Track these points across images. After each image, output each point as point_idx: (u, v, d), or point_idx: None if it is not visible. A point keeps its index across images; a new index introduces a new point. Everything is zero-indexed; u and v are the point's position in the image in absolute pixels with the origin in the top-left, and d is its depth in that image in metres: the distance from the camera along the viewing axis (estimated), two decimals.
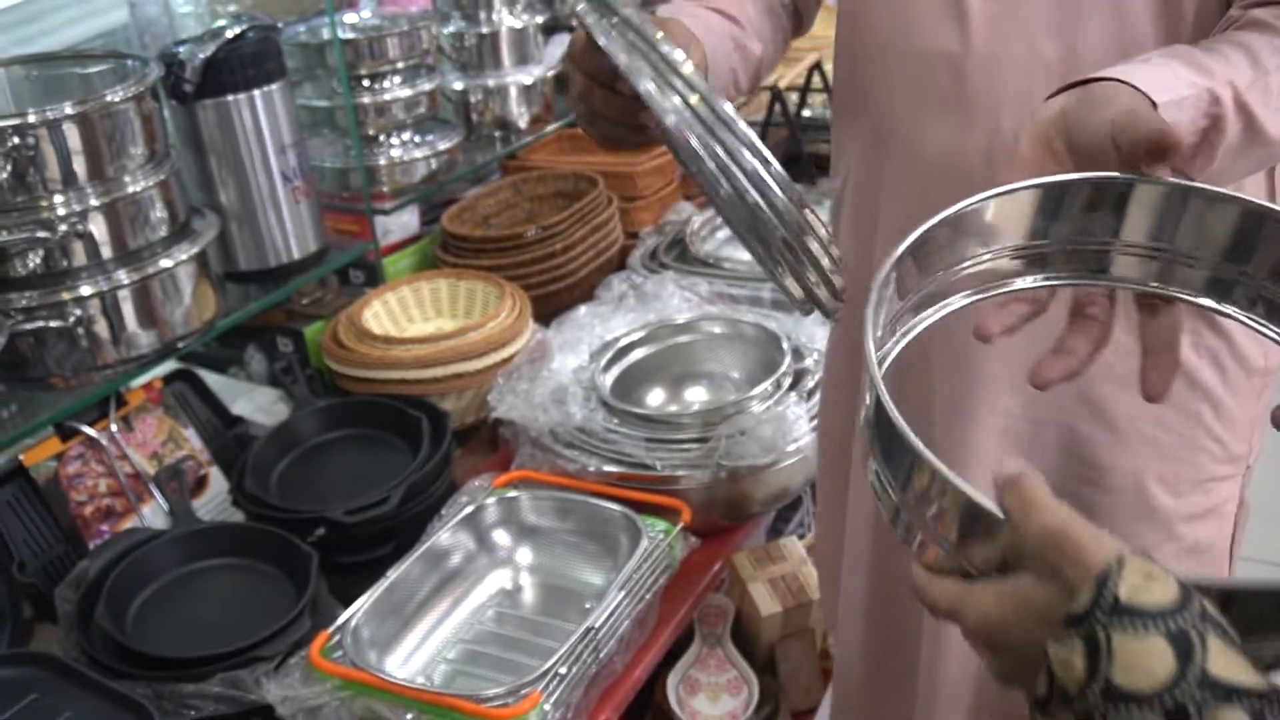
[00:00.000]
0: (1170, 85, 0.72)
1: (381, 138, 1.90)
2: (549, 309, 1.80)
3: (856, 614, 1.24)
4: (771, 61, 1.12)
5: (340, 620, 1.22)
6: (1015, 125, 0.88)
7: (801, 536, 1.69)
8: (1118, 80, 0.71)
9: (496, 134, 2.14)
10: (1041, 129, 0.71)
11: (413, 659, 1.27)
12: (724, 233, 2.09)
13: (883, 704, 1.26)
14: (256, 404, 1.64)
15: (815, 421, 1.46)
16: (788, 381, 1.51)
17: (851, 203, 1.11)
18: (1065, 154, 0.70)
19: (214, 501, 1.51)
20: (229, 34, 1.54)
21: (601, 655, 1.21)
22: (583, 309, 1.73)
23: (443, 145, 1.94)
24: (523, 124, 2.14)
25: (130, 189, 1.36)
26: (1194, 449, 0.99)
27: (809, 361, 1.55)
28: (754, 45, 1.06)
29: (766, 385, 1.47)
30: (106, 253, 1.35)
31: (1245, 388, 0.98)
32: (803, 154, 2.34)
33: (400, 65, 1.88)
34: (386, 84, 1.87)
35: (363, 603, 1.24)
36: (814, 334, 1.60)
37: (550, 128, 2.21)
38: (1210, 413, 0.98)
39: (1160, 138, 0.65)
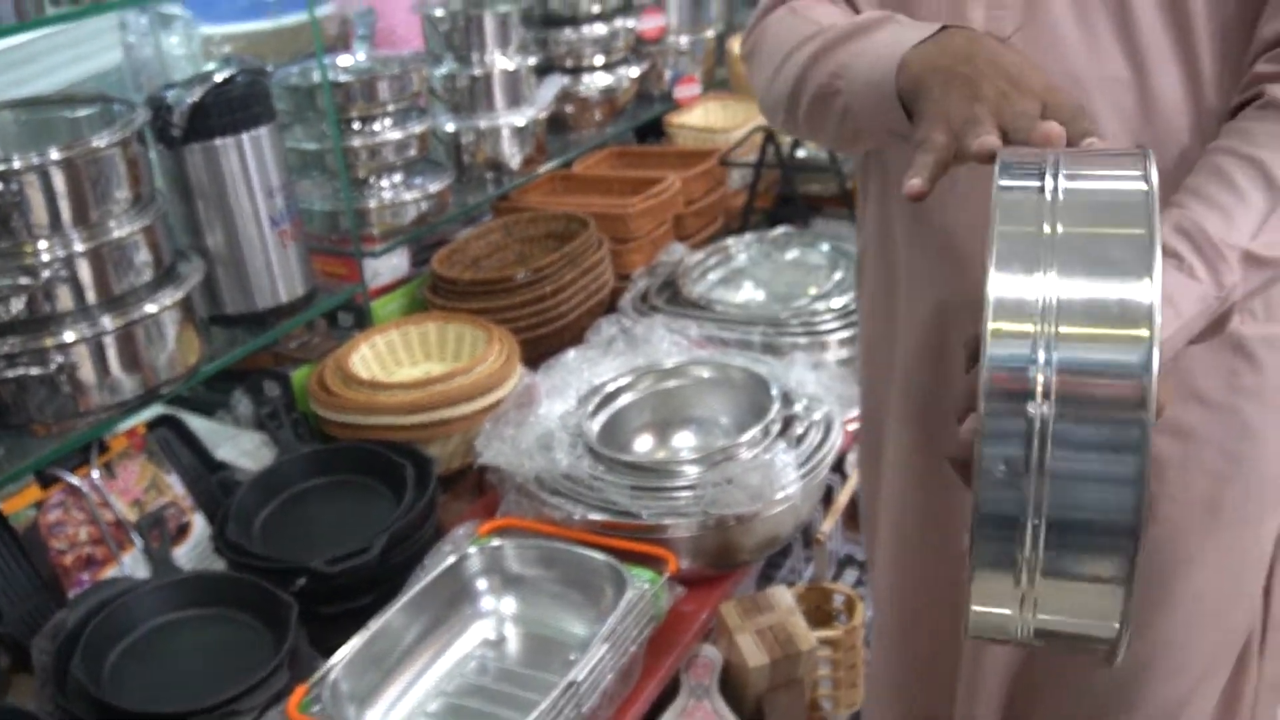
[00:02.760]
0: (1168, 320, 0.71)
1: (372, 180, 1.89)
2: (538, 352, 1.79)
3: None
4: None
5: (319, 674, 1.20)
6: None
7: (791, 584, 1.67)
8: None
9: (488, 175, 2.14)
10: None
11: (393, 712, 1.25)
12: (715, 274, 2.08)
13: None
14: (241, 449, 1.63)
15: (805, 467, 1.45)
16: (776, 428, 1.50)
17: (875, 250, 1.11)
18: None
19: (196, 548, 1.49)
20: (217, 77, 1.54)
21: (584, 710, 1.19)
22: (571, 353, 1.72)
23: (433, 187, 1.94)
24: (515, 165, 2.15)
25: (115, 234, 1.35)
26: (1243, 490, 0.97)
27: (798, 407, 1.53)
28: None
29: (755, 432, 1.46)
30: (91, 298, 1.35)
31: None
32: (796, 196, 2.34)
33: (391, 107, 1.88)
34: (377, 126, 1.87)
35: (342, 655, 1.22)
36: (804, 379, 1.59)
37: (542, 169, 2.21)
38: (1256, 451, 0.96)
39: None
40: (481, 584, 1.39)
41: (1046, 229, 0.61)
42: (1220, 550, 0.98)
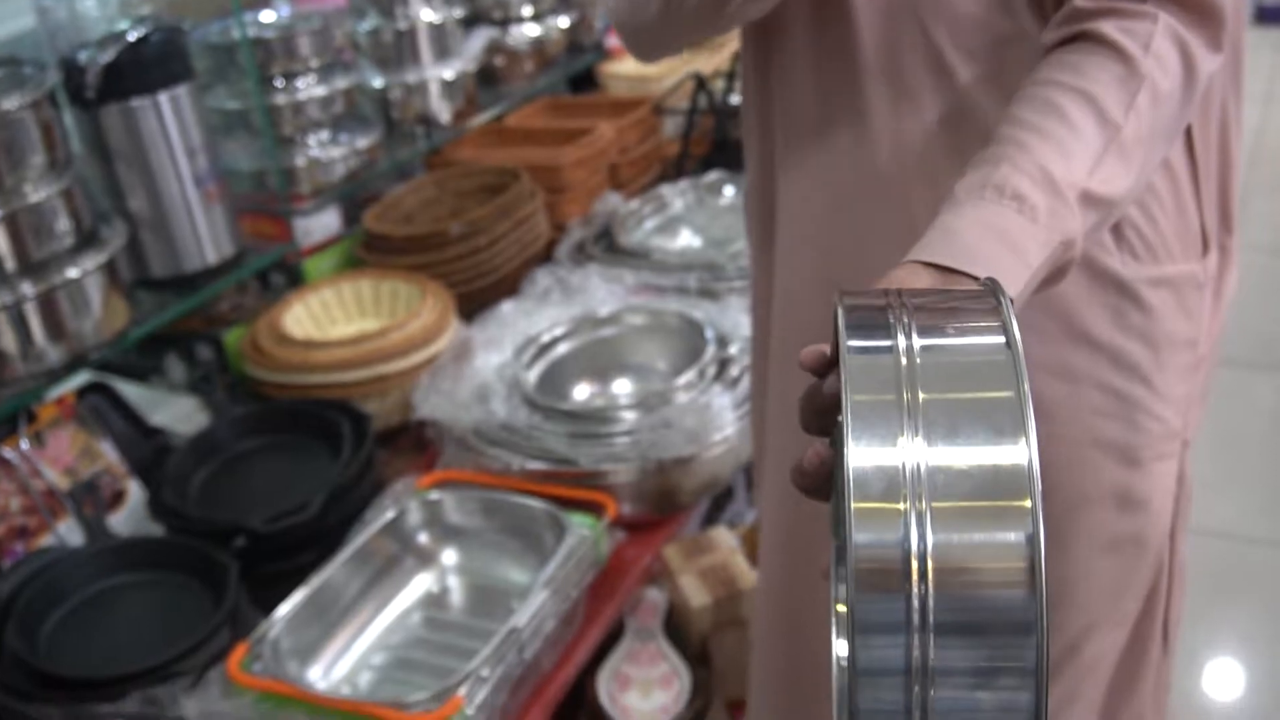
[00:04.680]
0: (1015, 274, 0.69)
1: (298, 138, 1.86)
2: (474, 305, 1.78)
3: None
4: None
5: (259, 631, 1.20)
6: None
7: (733, 525, 1.69)
8: (971, 277, 0.68)
9: (418, 130, 2.11)
10: None
11: (336, 667, 1.25)
12: (651, 223, 2.08)
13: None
14: (176, 413, 1.61)
15: (742, 409, 1.46)
16: (712, 371, 1.50)
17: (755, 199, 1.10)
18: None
19: (133, 515, 1.47)
20: (131, 37, 1.51)
21: (526, 656, 1.20)
22: (507, 305, 1.72)
23: (362, 143, 1.91)
24: (445, 119, 2.12)
25: (31, 199, 1.32)
26: (1133, 430, 0.97)
27: (733, 349, 1.54)
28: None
29: (690, 375, 1.47)
30: (9, 265, 1.32)
31: (1177, 364, 0.96)
32: (730, 141, 2.33)
33: (315, 63, 1.85)
34: (301, 83, 1.84)
35: (283, 612, 1.22)
36: (738, 321, 1.60)
37: (474, 122, 2.19)
38: (1145, 391, 0.96)
39: None
40: (422, 537, 1.39)
41: (907, 395, 0.54)
42: (1110, 489, 0.97)
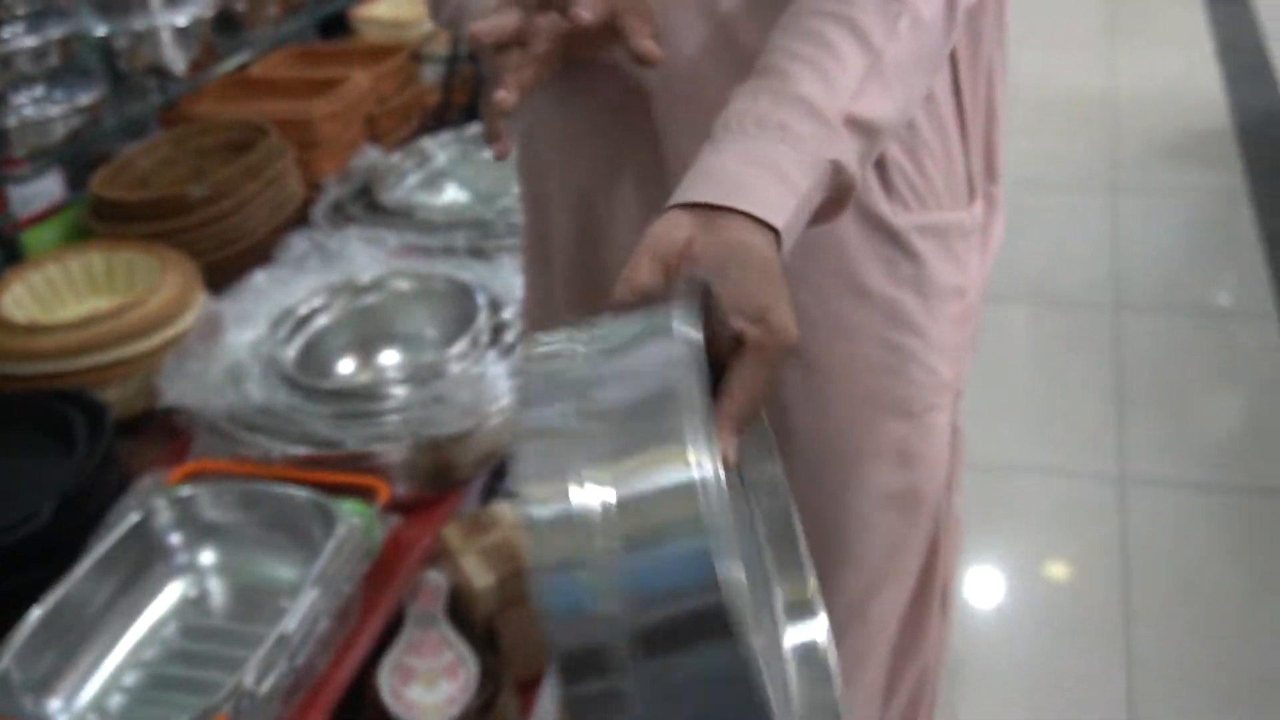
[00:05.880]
0: (783, 201, 0.68)
1: (8, 94, 1.66)
2: (223, 276, 1.63)
3: None
4: None
5: None
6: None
7: (514, 496, 1.62)
8: (737, 211, 0.67)
9: (150, 83, 1.92)
10: (666, 252, 0.66)
11: (81, 694, 1.13)
12: (414, 178, 1.97)
13: None
14: None
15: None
16: (485, 338, 1.42)
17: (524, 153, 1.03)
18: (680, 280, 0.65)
19: None
20: None
21: (298, 662, 1.11)
22: (260, 274, 1.59)
23: (84, 99, 1.73)
24: (179, 70, 1.94)
25: None
26: (907, 383, 0.96)
27: (507, 314, 1.47)
28: None
29: (463, 344, 1.39)
30: None
31: (948, 313, 0.96)
32: None
33: (22, 10, 1.65)
34: (6, 32, 1.64)
35: (13, 641, 1.08)
36: (511, 284, 1.52)
37: (213, 72, 2.01)
38: (918, 343, 0.95)
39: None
40: (174, 538, 1.27)
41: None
42: (888, 444, 0.97)
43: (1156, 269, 3.22)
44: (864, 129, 0.73)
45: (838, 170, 0.71)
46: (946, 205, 0.92)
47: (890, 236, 0.90)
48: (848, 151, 0.72)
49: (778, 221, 0.67)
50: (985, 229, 0.98)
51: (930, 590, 1.08)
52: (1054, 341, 2.89)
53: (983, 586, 2.13)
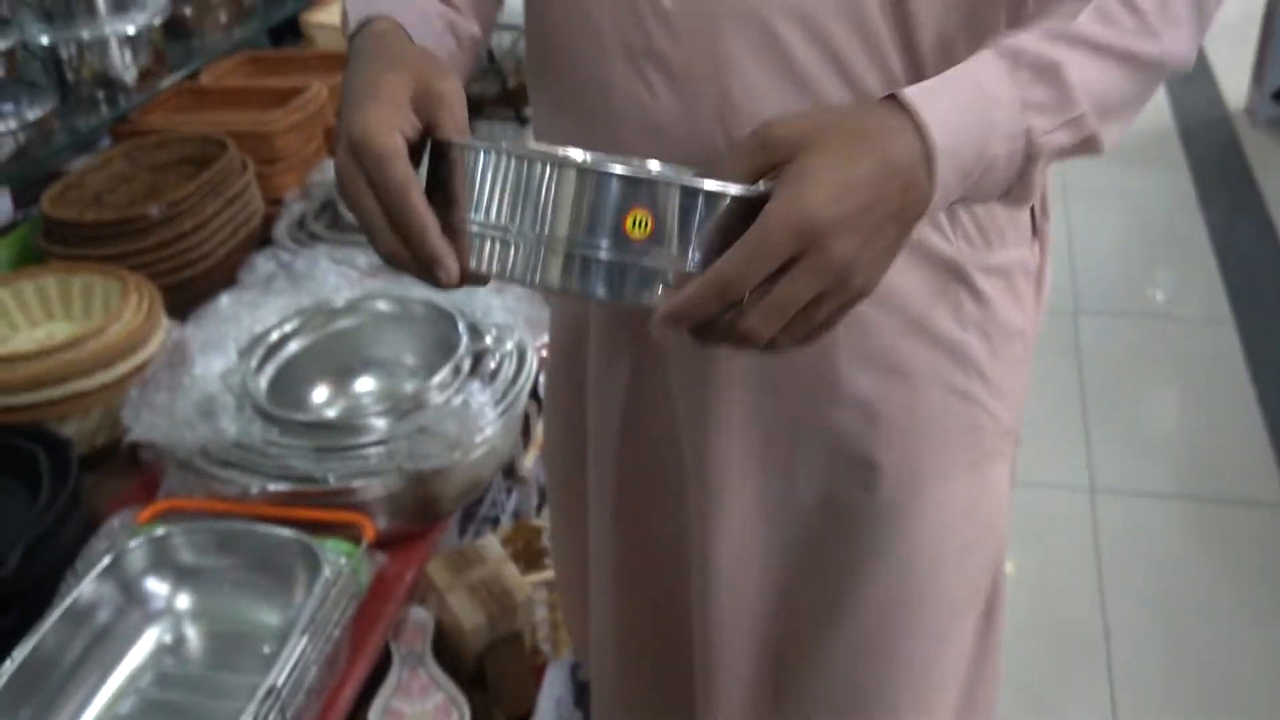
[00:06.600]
0: (959, 124, 0.67)
1: None
2: (185, 299, 1.57)
3: (609, 637, 1.15)
4: (487, 38, 0.97)
5: None
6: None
7: (494, 521, 1.58)
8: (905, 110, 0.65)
9: (100, 94, 1.85)
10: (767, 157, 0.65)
11: None
12: None
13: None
14: None
15: (503, 404, 1.35)
16: (467, 365, 1.38)
17: None
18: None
19: None
20: None
21: (289, 715, 1.06)
22: (225, 297, 1.52)
23: (32, 114, 1.65)
24: (130, 80, 1.87)
25: None
26: (971, 429, 0.93)
27: (488, 339, 1.42)
28: (472, 27, 0.91)
29: (445, 373, 1.34)
30: None
31: (1011, 355, 0.92)
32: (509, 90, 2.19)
33: None
34: None
35: None
36: (489, 306, 1.48)
37: (165, 83, 1.94)
38: (981, 387, 0.92)
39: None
40: (150, 582, 1.21)
41: None
42: (955, 496, 0.93)
43: (1111, 272, 3.25)
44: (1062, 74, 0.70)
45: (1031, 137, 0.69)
46: (1010, 242, 0.89)
47: (955, 273, 0.86)
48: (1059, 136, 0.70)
49: (943, 137, 0.65)
50: (1041, 266, 0.95)
51: (990, 643, 1.05)
52: None
53: None
